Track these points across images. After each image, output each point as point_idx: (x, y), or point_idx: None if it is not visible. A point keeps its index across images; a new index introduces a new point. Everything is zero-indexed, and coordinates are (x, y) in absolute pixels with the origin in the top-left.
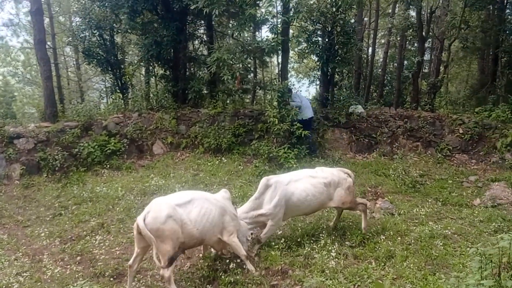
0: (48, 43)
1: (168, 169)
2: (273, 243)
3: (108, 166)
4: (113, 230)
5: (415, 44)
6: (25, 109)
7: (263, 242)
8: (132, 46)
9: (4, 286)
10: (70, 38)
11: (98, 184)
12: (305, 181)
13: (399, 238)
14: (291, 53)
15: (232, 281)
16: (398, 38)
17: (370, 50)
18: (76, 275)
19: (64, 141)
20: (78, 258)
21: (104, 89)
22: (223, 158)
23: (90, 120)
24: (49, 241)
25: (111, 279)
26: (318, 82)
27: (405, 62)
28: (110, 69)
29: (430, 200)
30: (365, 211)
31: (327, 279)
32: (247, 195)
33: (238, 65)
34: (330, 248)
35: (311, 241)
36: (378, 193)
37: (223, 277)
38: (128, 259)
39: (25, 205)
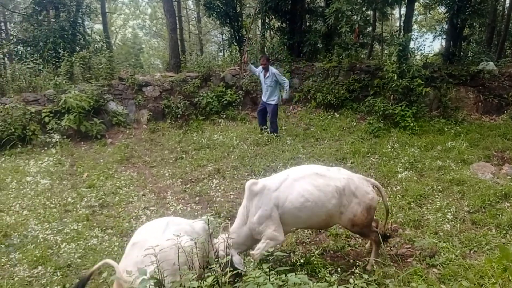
0: None
1: (280, 122)
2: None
3: (224, 116)
4: (228, 176)
5: None
6: (151, 60)
7: (256, 259)
8: None
9: (134, 217)
10: None
11: (215, 133)
12: (306, 181)
13: None
14: (416, 4)
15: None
16: None
17: (507, 1)
18: (196, 213)
19: (186, 90)
20: (197, 198)
21: (222, 42)
22: (335, 114)
23: (209, 71)
24: (172, 181)
25: (227, 220)
26: (444, 36)
27: None
28: (228, 21)
29: None
30: (378, 243)
31: (440, 241)
32: (359, 152)
33: (357, 17)
34: (445, 211)
35: (425, 202)
36: (505, 158)
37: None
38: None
39: (151, 148)
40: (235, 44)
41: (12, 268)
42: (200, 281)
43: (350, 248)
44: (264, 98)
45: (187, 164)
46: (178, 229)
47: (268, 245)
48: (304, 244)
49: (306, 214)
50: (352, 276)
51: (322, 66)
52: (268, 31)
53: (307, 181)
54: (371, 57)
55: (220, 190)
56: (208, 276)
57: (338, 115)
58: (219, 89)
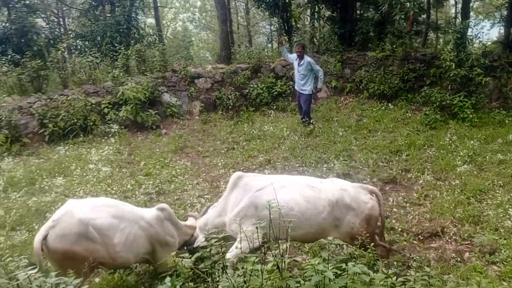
0: None
1: (331, 113)
2: (444, 193)
3: (274, 107)
4: (279, 167)
5: None
6: (200, 52)
7: (229, 263)
8: None
9: (189, 205)
10: None
11: (265, 124)
12: (294, 190)
13: None
14: None
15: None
16: None
17: None
18: None
19: (236, 82)
20: None
21: (270, 33)
22: (389, 105)
23: (259, 62)
24: (224, 171)
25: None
26: (503, 23)
27: None
28: (277, 12)
29: None
30: (386, 257)
31: (500, 238)
32: (415, 144)
33: (411, 4)
34: (507, 207)
35: (485, 197)
36: None
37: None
38: None
39: (204, 138)
40: (284, 34)
41: None
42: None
43: (405, 242)
44: (296, 86)
45: (238, 155)
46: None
47: (243, 248)
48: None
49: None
50: (409, 271)
51: (374, 55)
52: (318, 20)
53: (296, 190)
54: (425, 46)
55: None
56: (268, 262)
57: (392, 106)
58: (269, 80)
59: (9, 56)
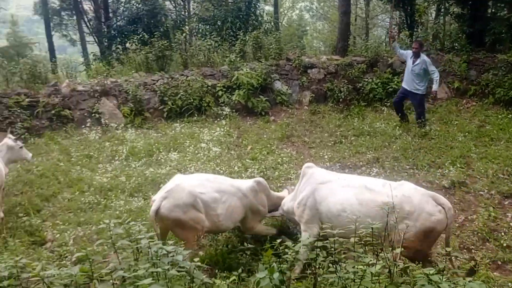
0: None
1: (450, 115)
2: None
3: (388, 104)
4: (388, 166)
5: None
6: (313, 42)
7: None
8: None
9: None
10: None
11: (377, 120)
12: (350, 191)
13: None
14: None
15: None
16: None
17: None
18: None
19: (350, 75)
20: None
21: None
22: None
23: (376, 56)
24: (330, 164)
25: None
26: None
27: None
28: (401, 5)
29: None
30: None
31: None
32: None
33: None
34: None
35: None
36: None
37: None
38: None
39: (311, 129)
40: (406, 29)
41: None
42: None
43: None
44: (407, 86)
45: (345, 149)
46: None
47: (304, 237)
48: (469, 250)
49: (337, 223)
50: None
51: (505, 58)
52: (445, 16)
53: (352, 191)
54: None
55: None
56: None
57: None
58: (385, 76)
59: (140, 35)
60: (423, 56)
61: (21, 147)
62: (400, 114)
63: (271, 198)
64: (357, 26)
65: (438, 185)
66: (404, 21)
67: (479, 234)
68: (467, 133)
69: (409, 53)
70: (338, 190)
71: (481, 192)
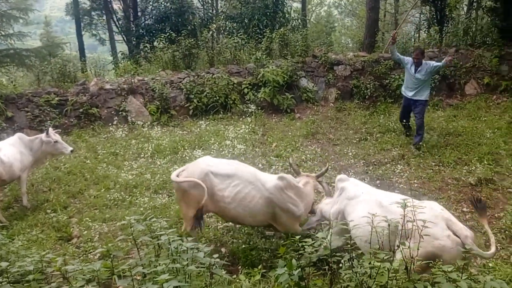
0: None
1: (479, 112)
2: None
3: None
4: (413, 163)
5: None
6: (342, 39)
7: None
8: None
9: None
10: None
11: None
12: (366, 207)
13: None
14: None
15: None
16: None
17: None
18: None
19: (377, 71)
20: (378, 182)
21: (419, 22)
22: None
23: (404, 53)
24: (354, 161)
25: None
26: None
27: None
28: (431, 0)
29: None
30: None
31: None
32: None
33: None
34: None
35: None
36: None
37: None
38: (425, 194)
39: (336, 126)
40: (436, 24)
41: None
42: None
43: None
44: (409, 93)
45: (370, 146)
46: None
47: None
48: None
49: (356, 235)
50: None
51: None
52: (477, 10)
53: (367, 207)
54: None
55: (403, 176)
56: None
57: None
58: None
59: (167, 34)
60: (426, 63)
61: (55, 142)
62: (405, 130)
63: (303, 197)
64: (385, 22)
65: (464, 182)
66: (434, 16)
67: (506, 232)
68: (496, 130)
69: (409, 60)
70: (358, 207)
71: (510, 189)
